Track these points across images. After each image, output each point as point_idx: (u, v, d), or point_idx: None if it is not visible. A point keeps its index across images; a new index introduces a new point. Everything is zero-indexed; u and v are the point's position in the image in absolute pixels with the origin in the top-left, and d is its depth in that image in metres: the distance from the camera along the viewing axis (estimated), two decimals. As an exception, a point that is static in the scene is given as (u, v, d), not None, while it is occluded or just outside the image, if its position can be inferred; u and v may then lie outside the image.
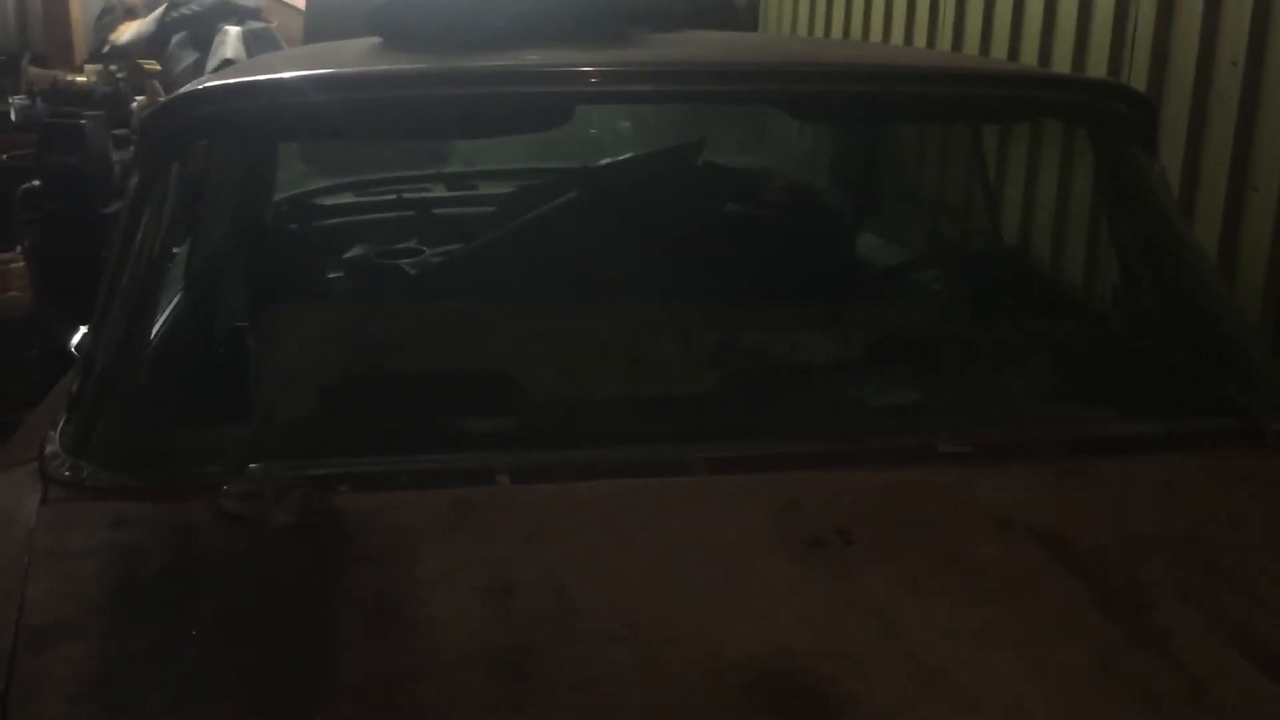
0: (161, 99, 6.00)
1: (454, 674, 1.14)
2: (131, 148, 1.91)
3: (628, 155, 2.95)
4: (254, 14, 8.52)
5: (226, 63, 7.45)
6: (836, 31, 5.03)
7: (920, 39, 4.29)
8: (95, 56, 8.58)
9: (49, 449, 1.55)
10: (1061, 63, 3.42)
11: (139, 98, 6.69)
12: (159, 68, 7.82)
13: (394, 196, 3.26)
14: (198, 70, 7.81)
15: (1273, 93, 2.70)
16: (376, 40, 2.25)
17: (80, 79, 7.19)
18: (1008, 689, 1.13)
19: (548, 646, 1.17)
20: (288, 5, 8.76)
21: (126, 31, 8.69)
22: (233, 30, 8.06)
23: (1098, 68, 3.26)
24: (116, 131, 5.35)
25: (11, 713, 1.11)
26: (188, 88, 1.96)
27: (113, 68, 7.61)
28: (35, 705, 1.12)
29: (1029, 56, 3.58)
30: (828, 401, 1.78)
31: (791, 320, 1.97)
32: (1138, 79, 3.09)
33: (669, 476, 1.50)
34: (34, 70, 7.66)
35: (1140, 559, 1.33)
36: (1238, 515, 1.46)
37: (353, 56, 2.17)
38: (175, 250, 1.98)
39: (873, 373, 1.85)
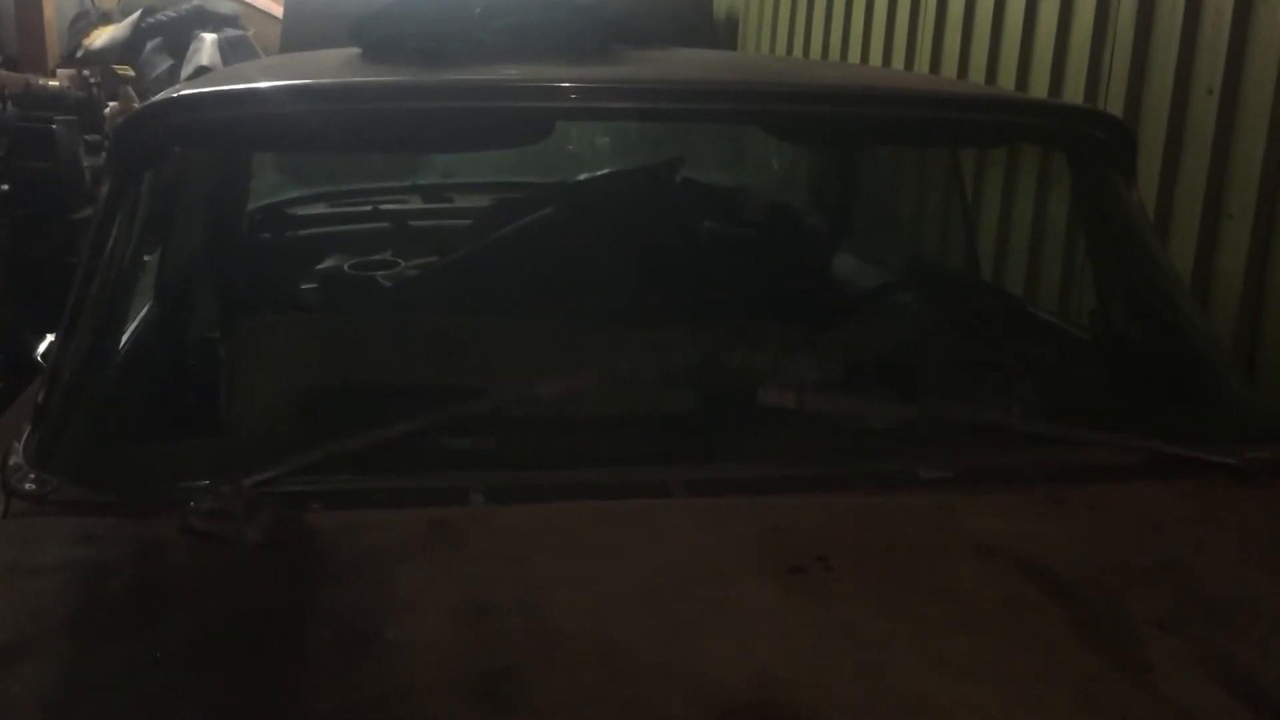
0: (135, 105, 5.96)
1: (428, 699, 1.12)
2: (104, 154, 1.89)
3: (606, 171, 2.94)
4: (230, 21, 8.49)
5: (202, 70, 7.42)
6: (815, 52, 5.05)
7: (898, 60, 4.31)
8: (69, 61, 8.51)
9: (12, 460, 1.51)
10: (1038, 87, 3.44)
11: (112, 103, 6.63)
12: (133, 73, 7.76)
13: (370, 208, 3.24)
14: (172, 77, 7.78)
15: (1248, 121, 2.72)
16: (356, 51, 2.24)
17: (53, 83, 7.12)
18: None
19: (524, 672, 1.14)
20: (264, 13, 8.74)
21: (100, 36, 8.64)
22: (208, 37, 8.04)
23: (1074, 92, 3.28)
24: (89, 137, 5.31)
25: (-32, 735, 1.08)
26: (163, 95, 1.93)
27: (86, 72, 7.55)
28: (-8, 728, 1.09)
29: (1006, 81, 3.60)
30: (808, 424, 1.76)
31: (771, 341, 1.96)
32: (1114, 105, 3.11)
33: (648, 498, 1.48)
34: (5, 73, 7.58)
35: (1122, 589, 1.32)
36: (1218, 545, 1.46)
37: (331, 67, 2.15)
38: (146, 259, 1.95)
39: (853, 396, 1.84)
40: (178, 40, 8.28)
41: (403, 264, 2.68)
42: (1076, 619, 1.26)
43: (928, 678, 1.15)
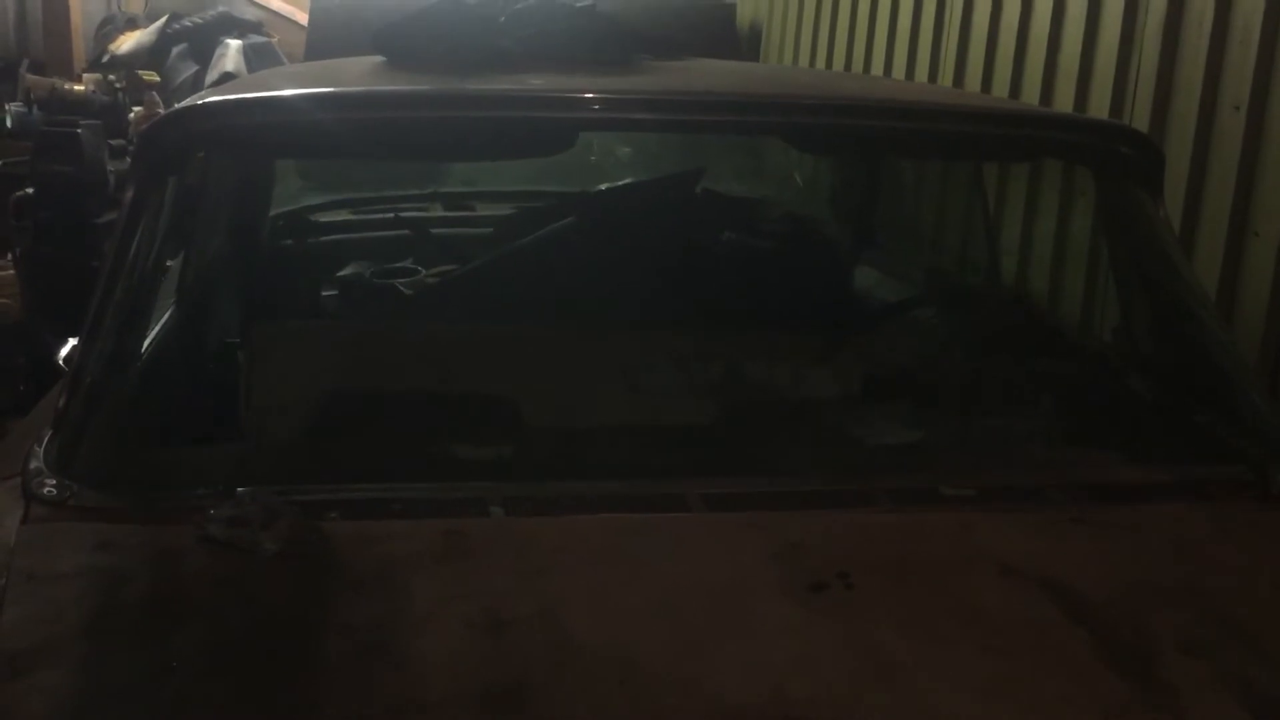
0: (160, 111, 5.99)
1: (442, 712, 1.11)
2: (129, 159, 1.88)
3: (627, 181, 2.93)
4: (255, 28, 8.53)
5: (226, 76, 7.45)
6: (838, 64, 5.04)
7: (921, 73, 4.29)
8: (94, 66, 8.57)
9: (33, 465, 1.51)
10: (1063, 102, 3.42)
11: (136, 108, 6.67)
12: (158, 79, 7.81)
13: (391, 215, 3.24)
14: (197, 83, 7.81)
15: (1275, 138, 2.70)
16: (380, 59, 2.24)
17: (78, 88, 7.17)
18: None
19: (541, 686, 1.14)
20: (289, 20, 8.77)
21: (127, 41, 8.69)
22: (233, 44, 8.07)
23: (1100, 108, 3.26)
24: (113, 142, 5.33)
25: (-16, 741, 1.07)
26: (188, 101, 1.93)
27: (111, 77, 7.60)
28: (9, 734, 1.08)
29: (1030, 95, 3.58)
30: (828, 439, 1.75)
31: (791, 354, 1.95)
32: (1140, 121, 3.09)
33: (666, 512, 1.47)
34: (32, 78, 7.64)
35: (1146, 611, 1.31)
36: (1245, 568, 1.44)
37: (356, 75, 2.15)
38: (169, 265, 1.95)
39: (873, 410, 1.82)
40: (203, 46, 8.32)
41: (423, 272, 2.68)
42: (1100, 641, 1.24)
43: (950, 699, 1.14)
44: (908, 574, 1.36)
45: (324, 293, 2.61)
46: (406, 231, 3.08)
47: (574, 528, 1.43)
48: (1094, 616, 1.28)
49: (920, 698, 1.14)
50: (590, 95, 1.88)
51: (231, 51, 8.02)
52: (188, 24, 8.52)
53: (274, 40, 8.50)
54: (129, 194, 1.78)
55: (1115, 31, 3.21)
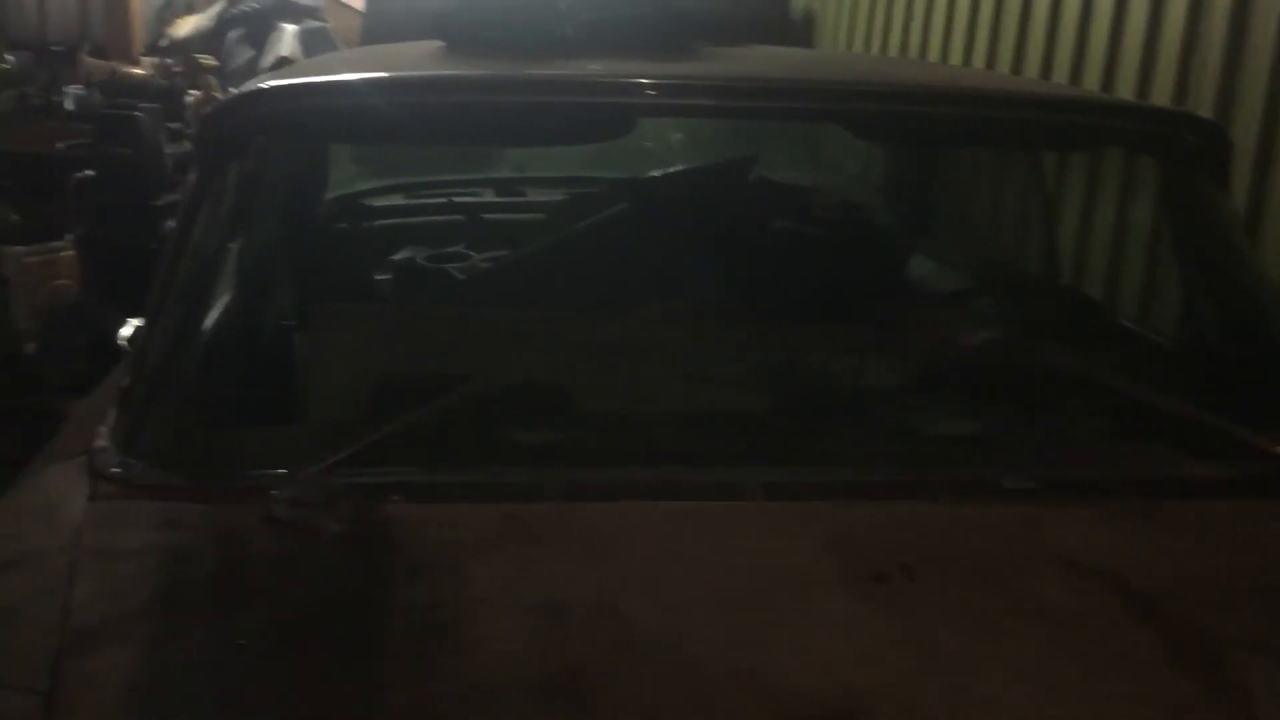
0: (217, 95, 6.05)
1: (501, 696, 1.12)
2: (190, 143, 1.91)
3: (679, 168, 2.92)
4: (312, 13, 8.58)
5: (282, 60, 7.52)
6: (893, 49, 4.99)
7: (979, 59, 4.24)
8: (153, 49, 8.67)
9: (99, 444, 1.54)
10: (1125, 88, 3.36)
11: (193, 92, 6.74)
12: (215, 63, 7.88)
13: (444, 200, 3.26)
14: (253, 67, 7.88)
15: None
16: (438, 44, 2.24)
17: (137, 71, 7.26)
18: None
19: (601, 674, 1.14)
20: (345, 6, 8.81)
21: (185, 26, 8.79)
22: (289, 29, 8.14)
23: (1163, 95, 3.20)
24: (171, 125, 5.40)
25: (55, 715, 1.09)
26: (250, 85, 1.95)
27: (169, 61, 7.68)
28: (80, 709, 1.10)
29: (1091, 82, 3.52)
30: (887, 429, 1.74)
31: (849, 343, 1.93)
32: (1204, 107, 3.03)
33: (724, 500, 1.47)
34: (91, 61, 7.74)
35: (1214, 609, 1.29)
36: None
37: (415, 60, 2.16)
38: (230, 247, 1.97)
39: (933, 401, 1.81)
40: (259, 31, 8.39)
41: (475, 257, 2.69)
42: (1167, 639, 1.22)
43: (1013, 696, 1.13)
44: (970, 567, 1.34)
45: (379, 276, 2.63)
46: (459, 217, 3.10)
47: (631, 514, 1.43)
48: (1159, 613, 1.27)
49: (981, 693, 1.13)
50: (650, 81, 1.87)
51: (287, 36, 8.09)
52: (245, 9, 8.60)
53: (329, 25, 8.55)
54: (191, 177, 1.80)
55: (1181, 14, 3.14)
